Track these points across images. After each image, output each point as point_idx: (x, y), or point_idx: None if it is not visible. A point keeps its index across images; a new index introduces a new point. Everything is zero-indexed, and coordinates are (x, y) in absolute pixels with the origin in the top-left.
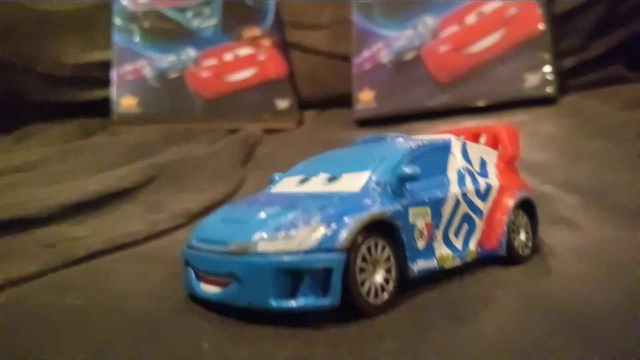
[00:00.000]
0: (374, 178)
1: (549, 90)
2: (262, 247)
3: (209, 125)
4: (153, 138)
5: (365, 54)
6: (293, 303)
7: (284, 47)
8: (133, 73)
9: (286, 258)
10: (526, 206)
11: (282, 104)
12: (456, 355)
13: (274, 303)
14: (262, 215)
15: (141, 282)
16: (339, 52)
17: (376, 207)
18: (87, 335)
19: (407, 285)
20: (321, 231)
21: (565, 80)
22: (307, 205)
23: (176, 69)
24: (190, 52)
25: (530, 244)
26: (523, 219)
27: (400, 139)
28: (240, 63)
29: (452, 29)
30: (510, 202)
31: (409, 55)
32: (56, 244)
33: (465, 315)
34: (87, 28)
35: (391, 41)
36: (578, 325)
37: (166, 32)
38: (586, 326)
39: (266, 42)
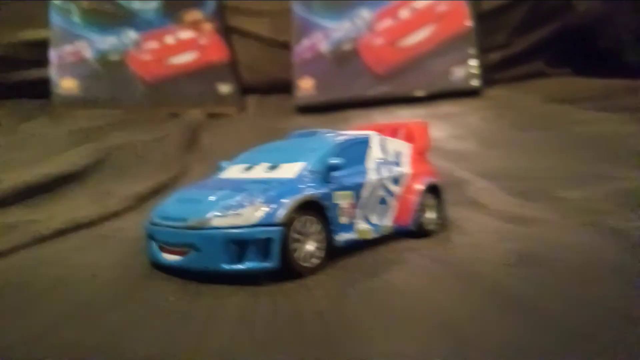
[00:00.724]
0: (307, 167)
1: (474, 83)
2: (215, 222)
3: (151, 110)
4: (96, 122)
5: (306, 43)
6: (241, 266)
7: (226, 32)
8: (73, 55)
9: (235, 231)
10: (435, 190)
11: (224, 88)
12: (369, 300)
13: (225, 266)
14: (214, 197)
15: (107, 256)
16: (280, 40)
17: (308, 191)
18: (69, 296)
19: (335, 253)
20: (263, 210)
21: (491, 74)
22: (252, 189)
23: (117, 51)
24: (131, 34)
25: (438, 221)
26: (432, 200)
27: (330, 134)
28: (182, 46)
29: (387, 22)
30: (419, 186)
31: (347, 47)
32: (18, 225)
33: (378, 272)
34: (22, 6)
35: (330, 32)
36: (473, 279)
37: (106, 13)
38: (480, 280)
39: (208, 27)
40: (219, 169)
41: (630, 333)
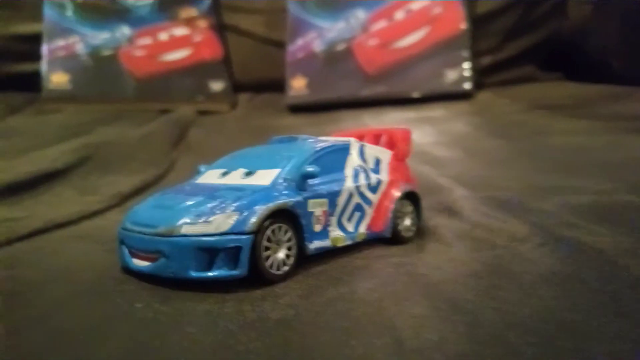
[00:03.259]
0: (282, 175)
1: (466, 86)
2: (185, 229)
3: (142, 106)
4: (84, 118)
5: (299, 42)
6: (209, 274)
7: (220, 29)
8: (65, 49)
9: (204, 239)
10: (412, 197)
11: (216, 86)
12: (331, 309)
13: (193, 274)
14: (187, 203)
15: (82, 258)
16: (274, 38)
17: (281, 199)
18: (39, 299)
19: (306, 259)
20: (234, 218)
21: (482, 78)
22: (225, 196)
23: (110, 46)
24: (125, 30)
25: (413, 228)
26: (409, 208)
27: (309, 141)
28: (175, 43)
29: (382, 23)
30: (396, 193)
31: (340, 47)
32: None
33: (345, 279)
34: None
35: (324, 32)
36: (433, 289)
37: (100, 9)
38: (440, 290)
39: (202, 24)
40: (197, 172)
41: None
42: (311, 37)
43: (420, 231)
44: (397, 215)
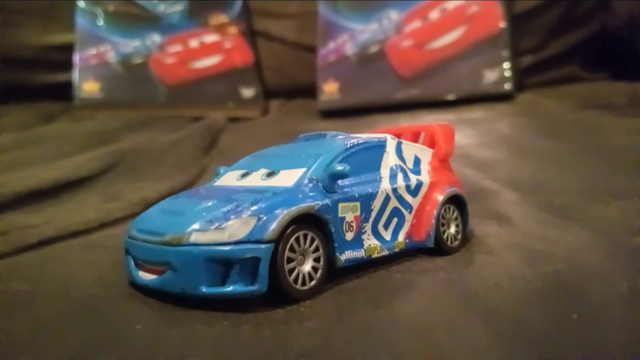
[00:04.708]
0: (307, 174)
1: (507, 87)
2: (194, 238)
3: (172, 113)
4: (114, 125)
5: (331, 45)
6: (223, 290)
7: (251, 35)
8: (96, 57)
9: (217, 248)
10: (457, 201)
11: (247, 92)
12: (366, 336)
13: (204, 290)
14: (198, 208)
15: (88, 270)
16: (305, 43)
17: (306, 202)
18: (30, 318)
19: (337, 272)
20: (251, 224)
21: (523, 78)
22: (242, 199)
23: (140, 54)
24: (155, 38)
25: (459, 237)
26: (453, 214)
27: (338, 137)
28: (206, 50)
29: (416, 24)
30: (439, 197)
31: (373, 49)
32: (8, 232)
33: (384, 299)
34: (49, 9)
35: (356, 34)
36: (492, 313)
37: (131, 17)
38: (501, 314)
39: (233, 30)
40: (216, 174)
41: None
42: (343, 40)
43: (466, 240)
44: (441, 222)
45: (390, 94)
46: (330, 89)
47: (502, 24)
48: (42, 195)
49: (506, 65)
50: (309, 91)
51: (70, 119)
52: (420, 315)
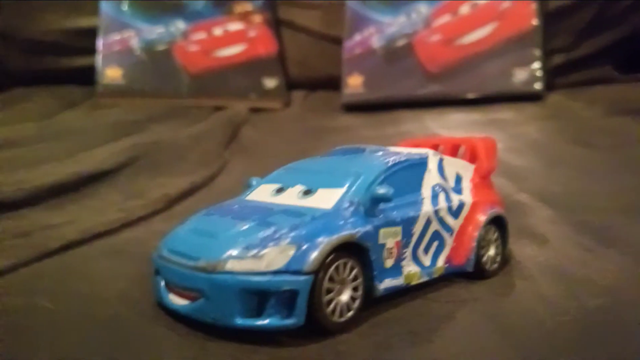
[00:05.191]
0: (347, 196)
1: (537, 86)
2: (230, 266)
3: (195, 102)
4: (137, 115)
5: (357, 37)
6: (258, 322)
7: (276, 24)
8: (120, 43)
9: (253, 278)
10: (498, 220)
11: (270, 83)
12: None
13: (239, 321)
14: (233, 230)
15: (111, 282)
16: (331, 34)
17: (347, 229)
18: (54, 342)
19: (372, 300)
20: (290, 253)
21: (553, 78)
22: (279, 223)
23: (164, 41)
24: (180, 25)
25: (498, 259)
26: (494, 235)
27: (378, 154)
28: (230, 38)
29: (445, 18)
30: (481, 218)
31: (400, 43)
32: (31, 233)
33: (422, 333)
34: None
35: (383, 27)
36: (539, 356)
37: (156, 3)
38: (538, 352)
39: (257, 18)
40: (248, 186)
41: None
42: (370, 33)
43: (505, 262)
44: (481, 245)
45: (416, 90)
46: (354, 83)
47: (535, 22)
48: (63, 191)
49: (537, 64)
50: (332, 84)
51: (92, 107)
52: (461, 355)
